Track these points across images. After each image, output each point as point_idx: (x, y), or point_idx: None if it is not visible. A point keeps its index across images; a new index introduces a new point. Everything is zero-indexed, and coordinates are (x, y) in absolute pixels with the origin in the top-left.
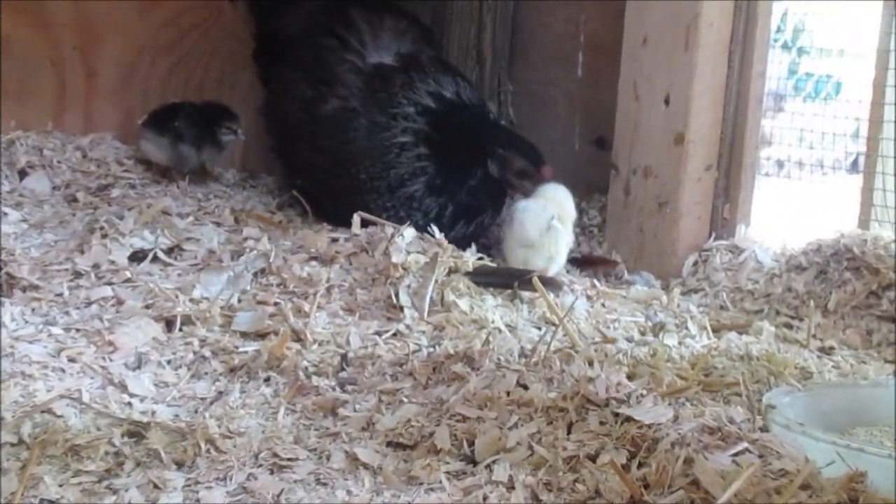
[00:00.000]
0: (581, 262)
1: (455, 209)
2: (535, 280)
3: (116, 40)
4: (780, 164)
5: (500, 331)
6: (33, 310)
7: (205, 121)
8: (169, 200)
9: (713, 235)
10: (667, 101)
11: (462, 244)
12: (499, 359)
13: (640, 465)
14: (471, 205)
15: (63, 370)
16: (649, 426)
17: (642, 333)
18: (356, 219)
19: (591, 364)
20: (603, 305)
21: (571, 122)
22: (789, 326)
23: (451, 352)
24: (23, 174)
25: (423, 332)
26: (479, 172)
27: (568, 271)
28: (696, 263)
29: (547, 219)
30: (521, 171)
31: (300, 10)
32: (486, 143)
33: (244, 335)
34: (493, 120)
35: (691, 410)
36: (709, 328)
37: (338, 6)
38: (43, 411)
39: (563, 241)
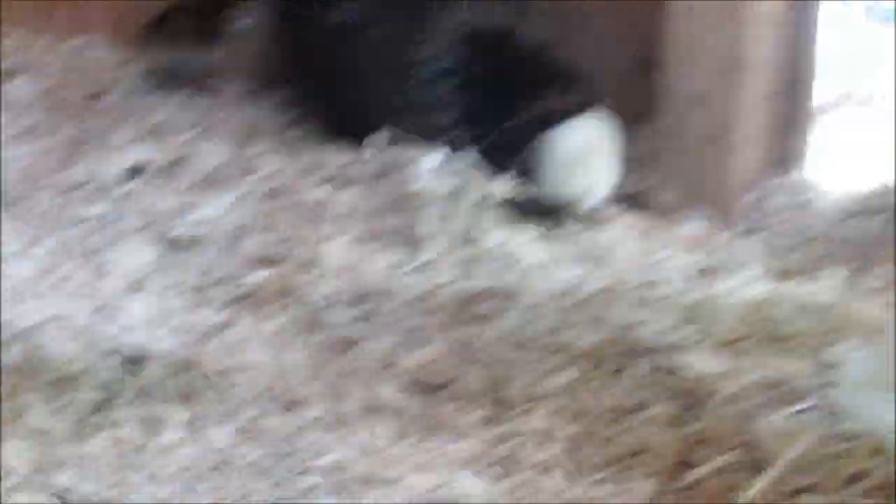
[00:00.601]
0: (626, 197)
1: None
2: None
3: None
4: (848, 95)
5: (535, 267)
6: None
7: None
8: (171, 108)
9: (774, 171)
10: (724, 21)
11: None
12: (534, 298)
13: (690, 420)
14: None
15: (52, 293)
16: (702, 378)
17: (695, 277)
18: (381, 136)
19: (637, 308)
20: (651, 244)
21: (614, 42)
22: (860, 274)
23: (481, 288)
24: (8, 76)
25: (450, 266)
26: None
27: (612, 206)
28: (755, 201)
29: (586, 144)
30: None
31: None
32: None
33: (251, 261)
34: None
35: (749, 363)
36: (770, 273)
37: None
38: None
39: (605, 170)
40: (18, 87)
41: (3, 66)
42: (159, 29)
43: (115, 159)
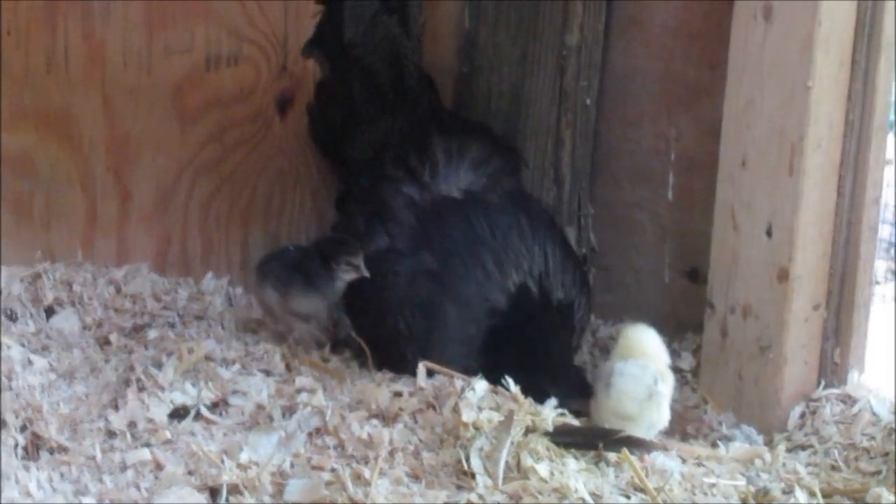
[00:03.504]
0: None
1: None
2: (624, 451)
3: (154, 159)
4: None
5: (583, 501)
6: (62, 475)
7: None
8: (212, 344)
9: (822, 383)
10: (769, 232)
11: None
12: None
13: None
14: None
15: None
16: None
17: (744, 500)
18: (421, 369)
19: None
20: (699, 466)
21: (660, 251)
22: None
23: None
24: (50, 312)
25: (498, 502)
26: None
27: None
28: (803, 415)
29: (649, 385)
30: None
31: (374, 130)
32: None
33: None
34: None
35: None
36: (819, 494)
37: (420, 129)
38: None
39: (667, 404)
40: (62, 323)
41: (46, 301)
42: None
43: (158, 401)
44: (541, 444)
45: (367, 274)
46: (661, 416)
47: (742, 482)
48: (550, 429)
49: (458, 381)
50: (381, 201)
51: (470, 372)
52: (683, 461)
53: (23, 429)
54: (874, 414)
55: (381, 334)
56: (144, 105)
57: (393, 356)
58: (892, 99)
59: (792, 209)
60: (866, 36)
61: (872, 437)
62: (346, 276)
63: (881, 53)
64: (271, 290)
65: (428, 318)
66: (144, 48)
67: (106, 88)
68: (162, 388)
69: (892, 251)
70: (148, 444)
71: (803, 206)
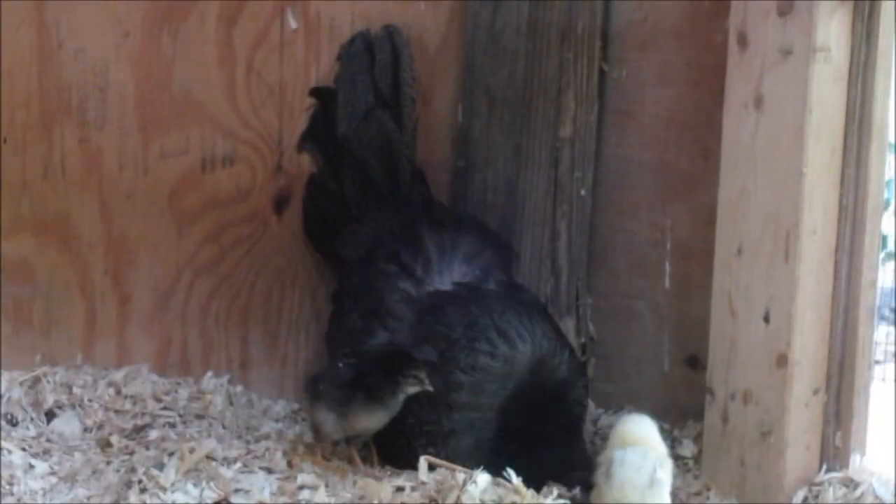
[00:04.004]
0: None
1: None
2: None
3: (152, 261)
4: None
5: None
6: None
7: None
8: (213, 443)
9: (824, 467)
10: (766, 319)
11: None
12: None
13: None
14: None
15: None
16: None
17: None
18: (422, 463)
19: None
20: None
21: (659, 339)
22: None
23: None
24: (50, 415)
25: None
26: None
27: None
28: (805, 500)
29: (650, 472)
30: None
31: (366, 229)
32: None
33: None
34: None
35: None
36: None
37: (412, 225)
38: None
39: (667, 492)
40: (63, 426)
41: (46, 404)
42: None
43: (161, 503)
44: None
45: (430, 388)
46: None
47: None
48: None
49: (461, 474)
50: (377, 298)
51: (483, 452)
52: None
53: None
54: (877, 496)
55: (388, 429)
56: (141, 208)
57: (402, 450)
58: (885, 180)
59: (789, 295)
60: (857, 121)
61: None
62: (410, 388)
63: (872, 138)
64: (326, 410)
65: (435, 409)
66: (140, 152)
67: (103, 193)
68: (164, 489)
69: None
70: None
71: (800, 291)
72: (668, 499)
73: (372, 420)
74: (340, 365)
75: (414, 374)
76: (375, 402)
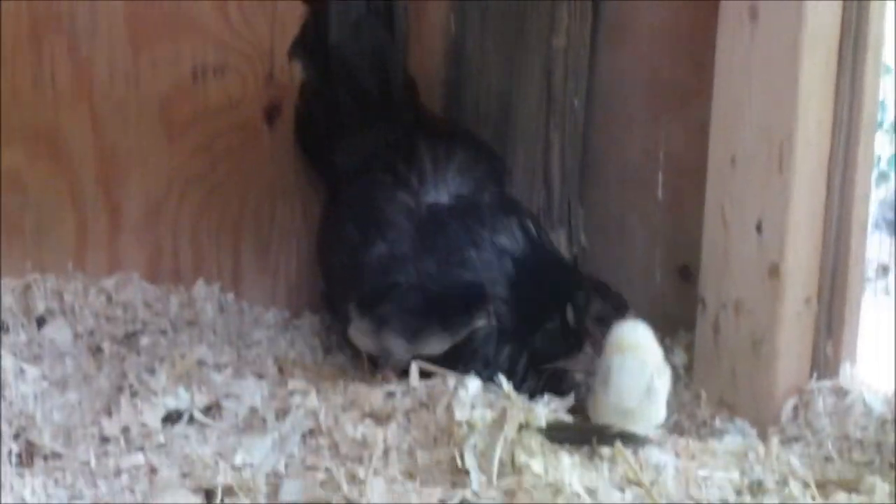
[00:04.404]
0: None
1: (524, 359)
2: (618, 444)
3: (143, 171)
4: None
5: (578, 495)
6: (56, 481)
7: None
8: (204, 349)
9: (815, 376)
10: (759, 229)
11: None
12: None
13: None
14: (543, 355)
15: None
16: None
17: (738, 493)
18: (413, 369)
19: None
20: (693, 460)
21: (651, 251)
22: None
23: None
24: (41, 322)
25: (493, 499)
26: (552, 321)
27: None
28: (796, 408)
29: (647, 380)
30: (602, 318)
31: (360, 139)
32: (563, 287)
33: None
34: (566, 262)
35: None
36: (813, 486)
37: (406, 135)
38: None
39: (664, 399)
40: (54, 332)
41: (37, 311)
42: None
43: (151, 406)
44: (534, 441)
45: (494, 322)
46: (659, 410)
47: (736, 475)
48: (544, 425)
49: (451, 380)
50: (375, 208)
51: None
52: (677, 455)
53: (16, 437)
54: (866, 405)
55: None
56: (132, 119)
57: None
58: (880, 96)
59: (782, 206)
60: (853, 34)
61: (865, 428)
62: (479, 322)
63: (868, 51)
64: (395, 336)
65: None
66: (131, 63)
67: (93, 104)
68: (155, 394)
69: None
70: (142, 449)
71: (793, 202)
72: (664, 407)
73: (439, 346)
74: (401, 285)
75: (487, 308)
76: (446, 332)
